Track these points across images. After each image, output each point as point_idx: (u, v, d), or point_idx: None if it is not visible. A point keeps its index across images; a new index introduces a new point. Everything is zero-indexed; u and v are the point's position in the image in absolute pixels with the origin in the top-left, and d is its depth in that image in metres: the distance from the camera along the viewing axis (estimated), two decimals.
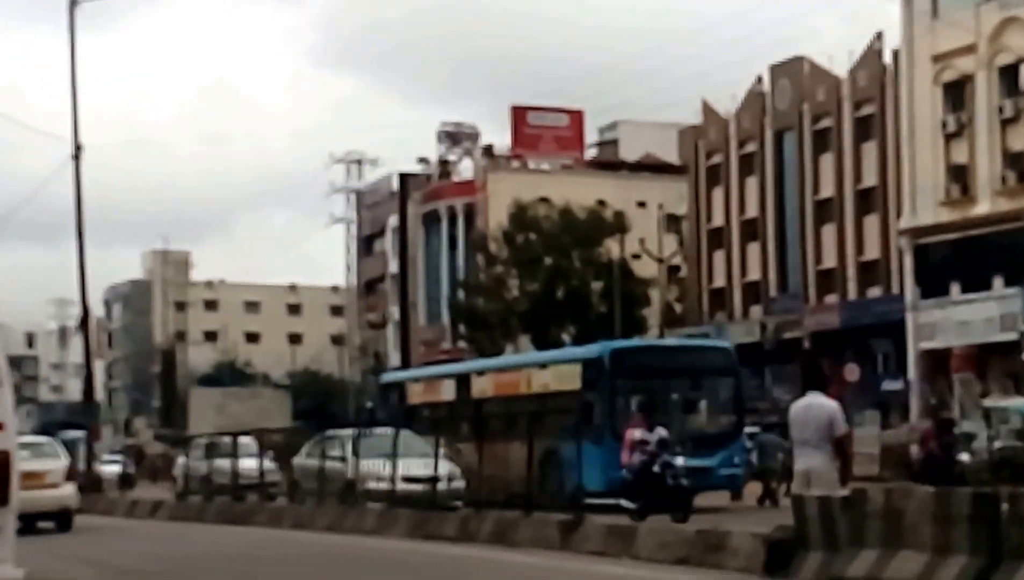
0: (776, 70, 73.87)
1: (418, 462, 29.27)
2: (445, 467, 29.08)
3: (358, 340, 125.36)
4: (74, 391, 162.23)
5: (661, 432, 27.35)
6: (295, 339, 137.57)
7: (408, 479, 29.31)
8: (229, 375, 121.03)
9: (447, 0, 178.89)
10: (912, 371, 63.26)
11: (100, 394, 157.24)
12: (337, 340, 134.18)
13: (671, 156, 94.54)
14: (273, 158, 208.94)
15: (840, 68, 70.38)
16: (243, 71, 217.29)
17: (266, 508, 34.90)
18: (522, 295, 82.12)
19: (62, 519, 30.13)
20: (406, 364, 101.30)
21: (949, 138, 61.64)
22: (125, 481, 59.93)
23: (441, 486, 28.28)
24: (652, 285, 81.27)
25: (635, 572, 18.83)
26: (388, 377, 53.35)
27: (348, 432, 34.43)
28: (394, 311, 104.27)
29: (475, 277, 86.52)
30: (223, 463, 37.95)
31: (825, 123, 70.71)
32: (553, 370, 37.66)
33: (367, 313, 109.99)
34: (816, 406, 15.73)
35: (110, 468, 59.40)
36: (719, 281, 78.89)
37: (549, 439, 29.28)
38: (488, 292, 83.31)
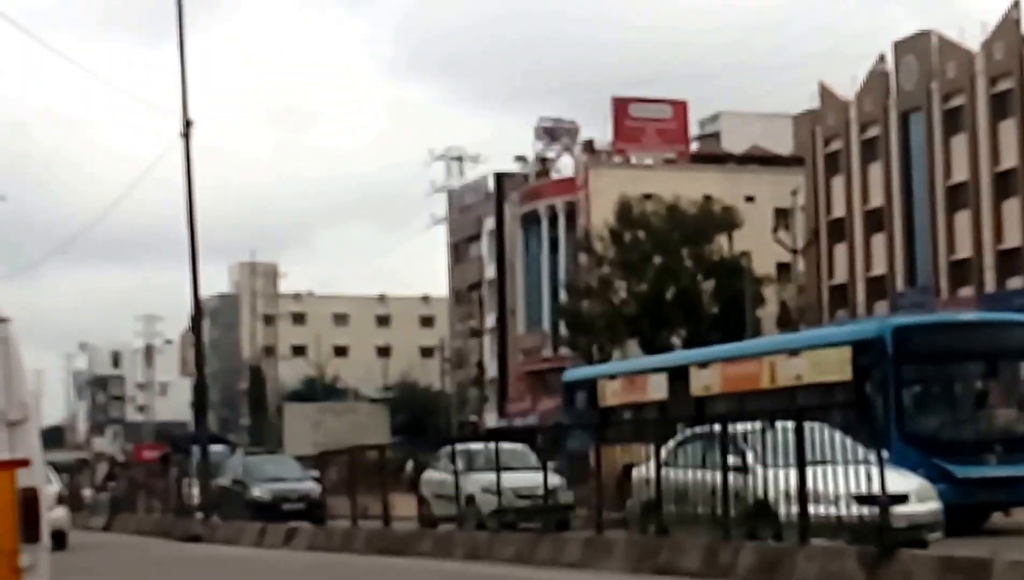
0: (900, 47, 69.24)
1: None
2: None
3: (447, 351, 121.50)
4: (161, 410, 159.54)
5: None
6: (384, 352, 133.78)
7: None
8: (318, 390, 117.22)
9: (517, 5, 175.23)
10: None
11: (187, 412, 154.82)
12: (427, 352, 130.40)
13: (776, 148, 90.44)
14: (350, 169, 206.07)
15: (972, 41, 65.71)
16: (316, 81, 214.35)
17: (428, 535, 29.04)
18: (630, 296, 77.89)
19: (57, 540, 28.89)
20: (503, 374, 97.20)
21: None
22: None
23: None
24: (766, 283, 76.93)
25: None
26: (573, 374, 45.73)
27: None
28: (490, 319, 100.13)
29: (580, 279, 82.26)
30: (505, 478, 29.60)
31: (956, 101, 66.12)
32: (809, 357, 30.45)
33: (462, 321, 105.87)
34: None
35: None
36: (840, 276, 74.27)
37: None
38: (595, 294, 79.06)
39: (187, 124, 41.74)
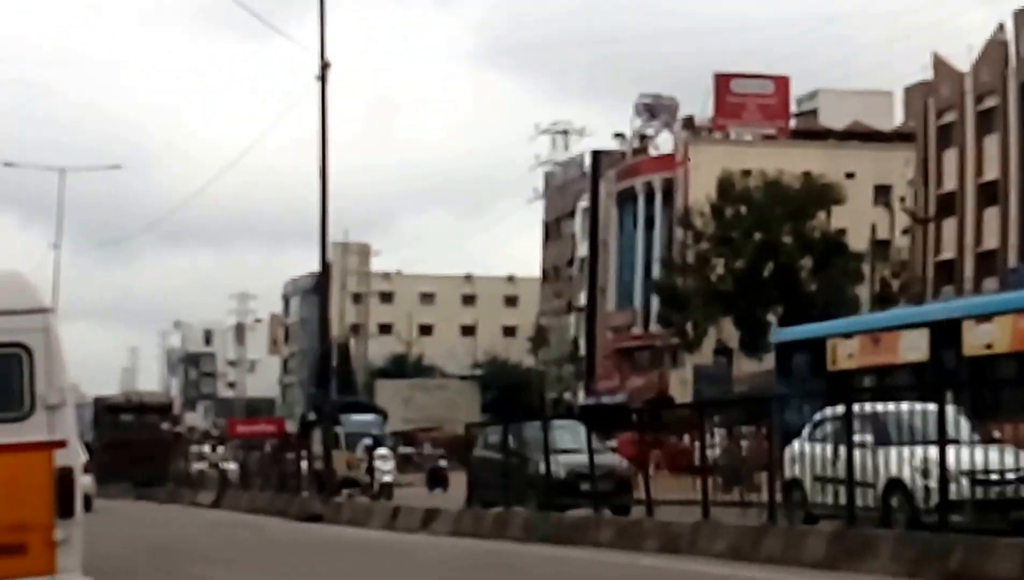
0: (1021, 16, 64.74)
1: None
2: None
3: (531, 330, 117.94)
4: (251, 386, 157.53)
5: None
6: (468, 331, 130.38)
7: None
8: (404, 368, 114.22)
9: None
10: None
11: (275, 389, 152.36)
12: (510, 331, 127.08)
13: (875, 125, 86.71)
14: (435, 156, 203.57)
15: None
16: (404, 72, 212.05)
17: (608, 521, 24.09)
18: (727, 273, 73.95)
19: (84, 504, 26.50)
20: (591, 353, 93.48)
21: None
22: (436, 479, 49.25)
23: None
24: (865, 259, 72.91)
25: None
26: (790, 334, 40.11)
27: None
28: (579, 297, 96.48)
29: (678, 255, 78.37)
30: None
31: None
32: None
33: (551, 300, 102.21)
34: None
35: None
36: (948, 252, 69.83)
37: None
38: (692, 271, 75.16)
39: (324, 66, 38.34)
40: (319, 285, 41.52)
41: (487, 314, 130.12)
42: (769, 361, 72.81)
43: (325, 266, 42.55)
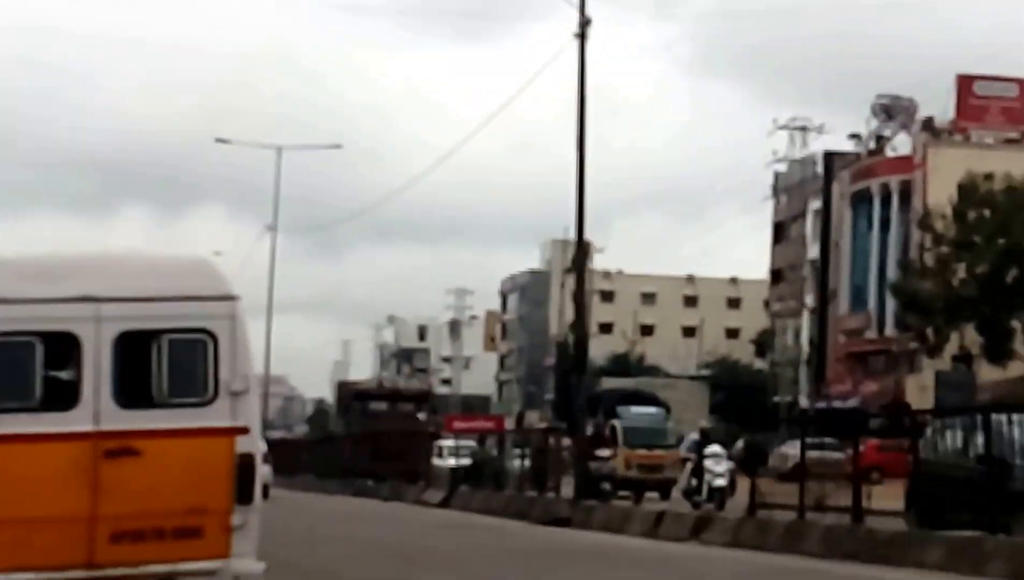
0: None
1: None
2: None
3: (754, 332, 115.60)
4: (466, 383, 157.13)
5: None
6: (690, 332, 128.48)
7: None
8: (626, 367, 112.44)
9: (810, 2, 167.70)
10: None
11: (490, 386, 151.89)
12: (733, 333, 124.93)
13: None
14: (651, 161, 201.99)
15: None
16: (619, 80, 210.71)
17: (936, 538, 20.29)
18: (969, 278, 71.21)
19: (262, 492, 25.85)
20: (822, 356, 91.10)
21: None
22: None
23: None
24: None
25: None
26: None
27: None
28: (808, 300, 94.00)
29: (917, 258, 75.78)
30: None
31: None
32: None
33: (779, 302, 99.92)
34: None
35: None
36: None
37: None
38: (932, 274, 72.54)
39: (584, 24, 36.36)
40: (575, 262, 37.81)
41: (709, 316, 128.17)
42: (1015, 369, 70.34)
43: (581, 240, 37.72)
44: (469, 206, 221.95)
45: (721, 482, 32.66)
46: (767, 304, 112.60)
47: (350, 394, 61.03)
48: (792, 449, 53.30)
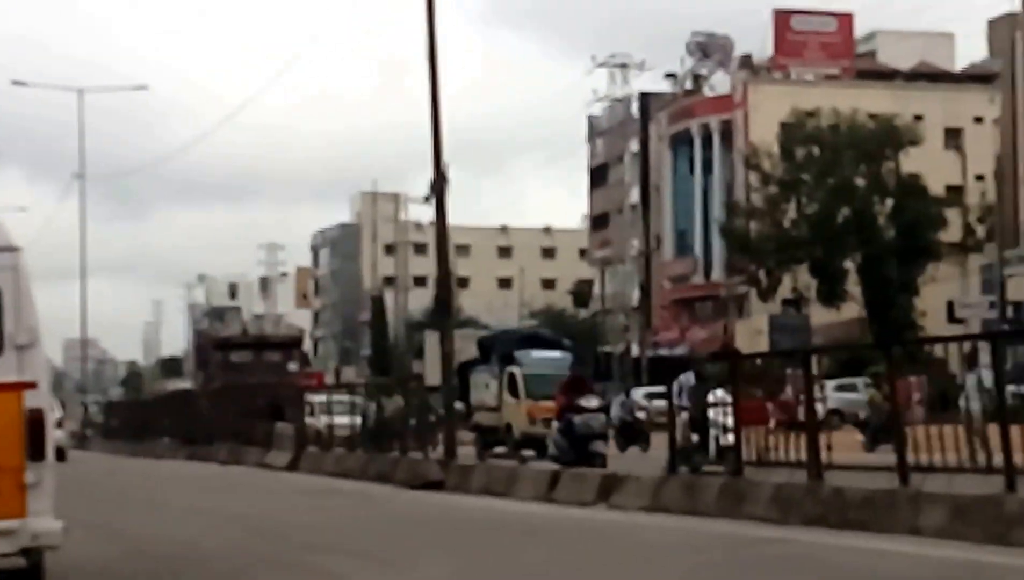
0: None
1: None
2: None
3: (570, 282, 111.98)
4: None
5: None
6: (505, 283, 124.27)
7: None
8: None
9: None
10: None
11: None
12: (549, 283, 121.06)
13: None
14: (447, 115, 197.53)
15: None
16: (409, 31, 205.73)
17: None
18: (800, 218, 67.95)
19: (58, 455, 22.03)
20: (647, 302, 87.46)
21: None
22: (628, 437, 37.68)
23: None
24: (947, 204, 67.13)
25: None
26: None
27: None
28: (632, 245, 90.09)
29: (744, 199, 72.26)
30: None
31: None
32: None
33: (597, 249, 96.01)
34: None
35: None
36: None
37: None
38: (762, 216, 69.11)
39: None
40: (436, 198, 30.00)
41: (524, 266, 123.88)
42: (848, 310, 67.34)
43: (439, 164, 30.80)
44: (268, 163, 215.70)
45: (731, 438, 21.70)
46: (583, 253, 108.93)
47: (210, 343, 50.86)
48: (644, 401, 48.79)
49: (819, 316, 68.31)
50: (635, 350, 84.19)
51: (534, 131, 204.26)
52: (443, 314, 31.89)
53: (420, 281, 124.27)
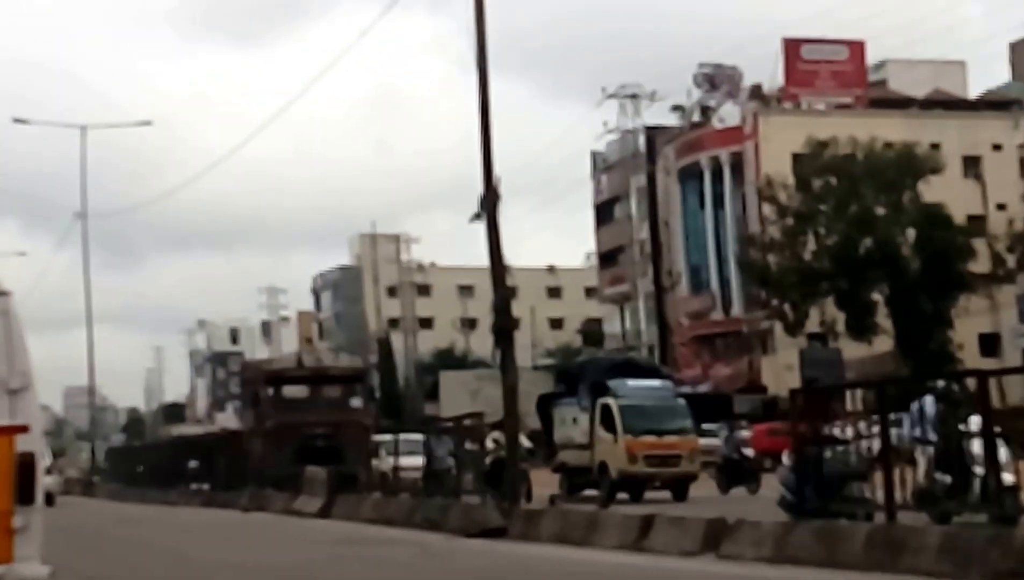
0: None
1: None
2: None
3: (577, 321, 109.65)
4: None
5: None
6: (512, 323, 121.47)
7: None
8: (451, 362, 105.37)
9: (588, 3, 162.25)
10: None
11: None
12: (556, 323, 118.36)
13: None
14: (435, 161, 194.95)
15: None
16: (400, 79, 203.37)
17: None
18: (820, 250, 65.58)
19: (46, 500, 21.43)
20: (664, 341, 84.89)
21: None
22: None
23: None
24: (972, 234, 64.95)
25: None
26: None
27: None
28: (642, 284, 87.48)
29: (760, 232, 69.84)
30: None
31: None
32: None
33: (608, 286, 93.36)
34: None
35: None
36: None
37: None
38: (780, 248, 66.68)
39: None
40: (489, 221, 25.60)
41: (530, 306, 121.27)
42: (880, 344, 64.70)
43: (490, 181, 27.22)
44: (258, 208, 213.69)
45: (1010, 478, 16.27)
46: (589, 292, 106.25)
47: (258, 377, 43.19)
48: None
49: (848, 350, 65.69)
50: None
51: (527, 176, 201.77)
52: (504, 342, 28.17)
53: (425, 322, 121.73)
